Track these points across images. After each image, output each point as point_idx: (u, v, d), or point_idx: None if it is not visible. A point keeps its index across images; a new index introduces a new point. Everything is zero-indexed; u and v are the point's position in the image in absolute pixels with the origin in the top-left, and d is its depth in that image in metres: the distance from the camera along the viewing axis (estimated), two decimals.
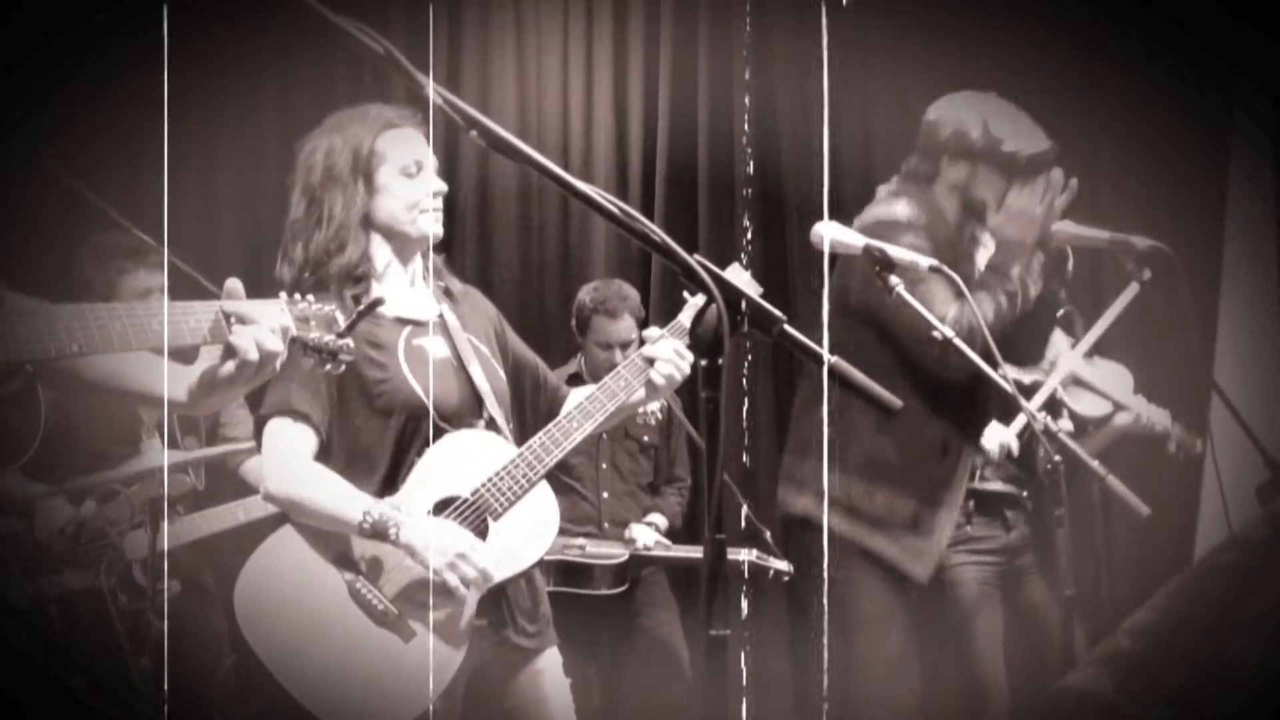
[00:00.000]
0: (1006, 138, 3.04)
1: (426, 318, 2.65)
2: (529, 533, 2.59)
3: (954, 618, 3.29)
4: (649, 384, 2.66)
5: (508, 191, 5.05)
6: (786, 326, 1.66)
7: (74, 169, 3.65)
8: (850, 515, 2.98)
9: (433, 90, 1.57)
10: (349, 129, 2.68)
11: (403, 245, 2.66)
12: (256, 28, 4.52)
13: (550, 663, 2.69)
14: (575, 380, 4.44)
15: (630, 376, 2.66)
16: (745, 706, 2.99)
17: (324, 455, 2.53)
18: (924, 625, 3.07)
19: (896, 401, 1.92)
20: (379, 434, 2.54)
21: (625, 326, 4.29)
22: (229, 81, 4.72)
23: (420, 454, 2.55)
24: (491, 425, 2.63)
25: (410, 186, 2.64)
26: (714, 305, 1.59)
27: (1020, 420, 3.30)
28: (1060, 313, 3.80)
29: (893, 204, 3.06)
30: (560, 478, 4.39)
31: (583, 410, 2.63)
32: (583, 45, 5.09)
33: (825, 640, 2.95)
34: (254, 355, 1.95)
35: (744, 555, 3.98)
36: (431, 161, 2.68)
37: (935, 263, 2.80)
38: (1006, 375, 2.77)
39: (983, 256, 3.14)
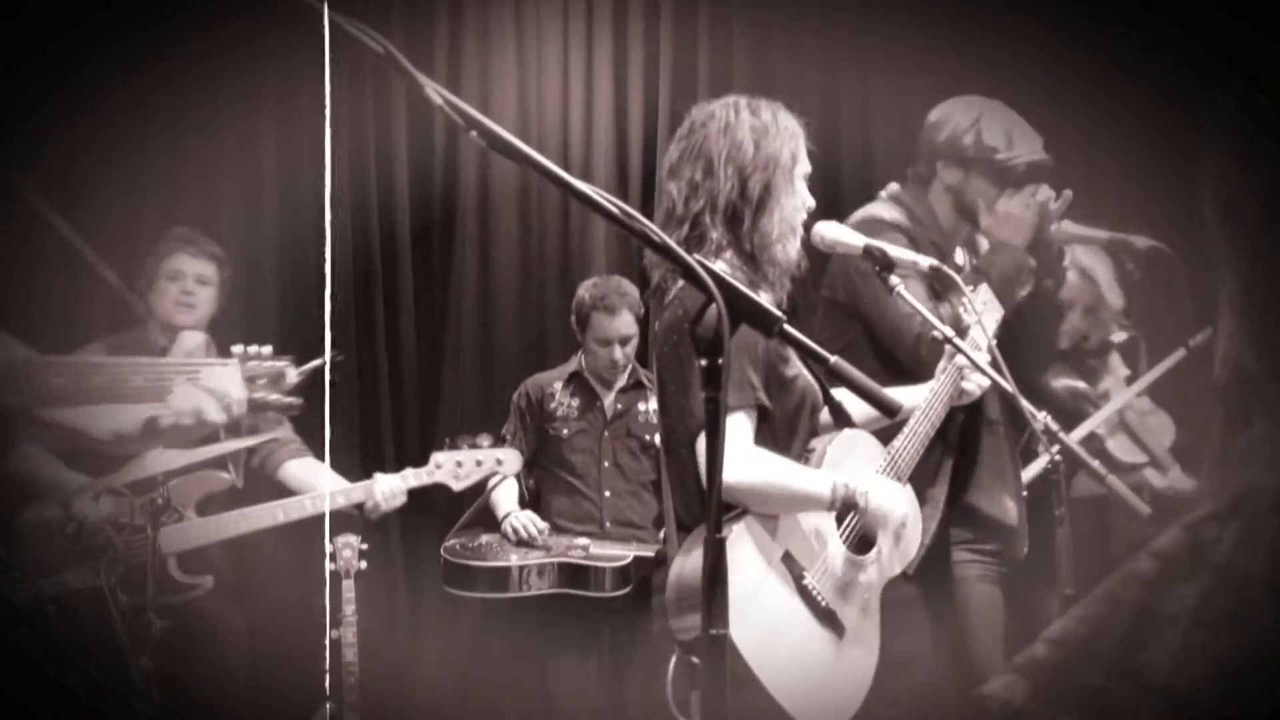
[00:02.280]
0: (1001, 147, 3.13)
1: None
2: (905, 528, 2.71)
3: (956, 615, 3.30)
4: (964, 392, 2.84)
5: (508, 191, 5.05)
6: (787, 326, 1.66)
7: (53, 202, 3.66)
8: None
9: (432, 90, 1.57)
10: (779, 119, 2.68)
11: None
12: (256, 28, 4.52)
13: None
14: (576, 378, 4.44)
15: (949, 384, 2.83)
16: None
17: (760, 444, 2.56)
18: (927, 622, 3.08)
19: (898, 402, 1.93)
20: (790, 423, 2.61)
21: (624, 322, 4.28)
22: (229, 81, 4.72)
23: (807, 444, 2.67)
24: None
25: (805, 193, 2.68)
26: (714, 305, 1.58)
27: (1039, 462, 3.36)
28: (1124, 338, 3.83)
29: (877, 205, 3.17)
30: (562, 476, 4.39)
31: (924, 415, 2.78)
32: (583, 45, 5.09)
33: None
34: (188, 421, 2.05)
35: None
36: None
37: (935, 262, 2.83)
38: (1000, 364, 2.80)
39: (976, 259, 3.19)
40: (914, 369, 2.96)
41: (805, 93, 4.95)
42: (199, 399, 2.04)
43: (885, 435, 2.80)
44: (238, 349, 2.14)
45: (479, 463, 3.87)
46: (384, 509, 3.82)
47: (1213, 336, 3.39)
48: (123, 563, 3.39)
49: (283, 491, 3.85)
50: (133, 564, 3.42)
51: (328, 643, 3.74)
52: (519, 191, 5.05)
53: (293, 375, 2.14)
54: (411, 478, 3.83)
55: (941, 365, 2.85)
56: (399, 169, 4.99)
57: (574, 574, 4.15)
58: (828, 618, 2.56)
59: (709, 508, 1.61)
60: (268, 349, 2.15)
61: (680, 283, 2.58)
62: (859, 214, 3.16)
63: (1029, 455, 3.51)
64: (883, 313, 3.01)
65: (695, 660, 2.40)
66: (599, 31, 5.09)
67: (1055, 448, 2.89)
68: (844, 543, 2.64)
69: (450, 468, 3.84)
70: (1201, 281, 4.40)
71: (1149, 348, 4.01)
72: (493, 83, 5.07)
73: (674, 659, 2.47)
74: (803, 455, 2.65)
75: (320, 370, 2.19)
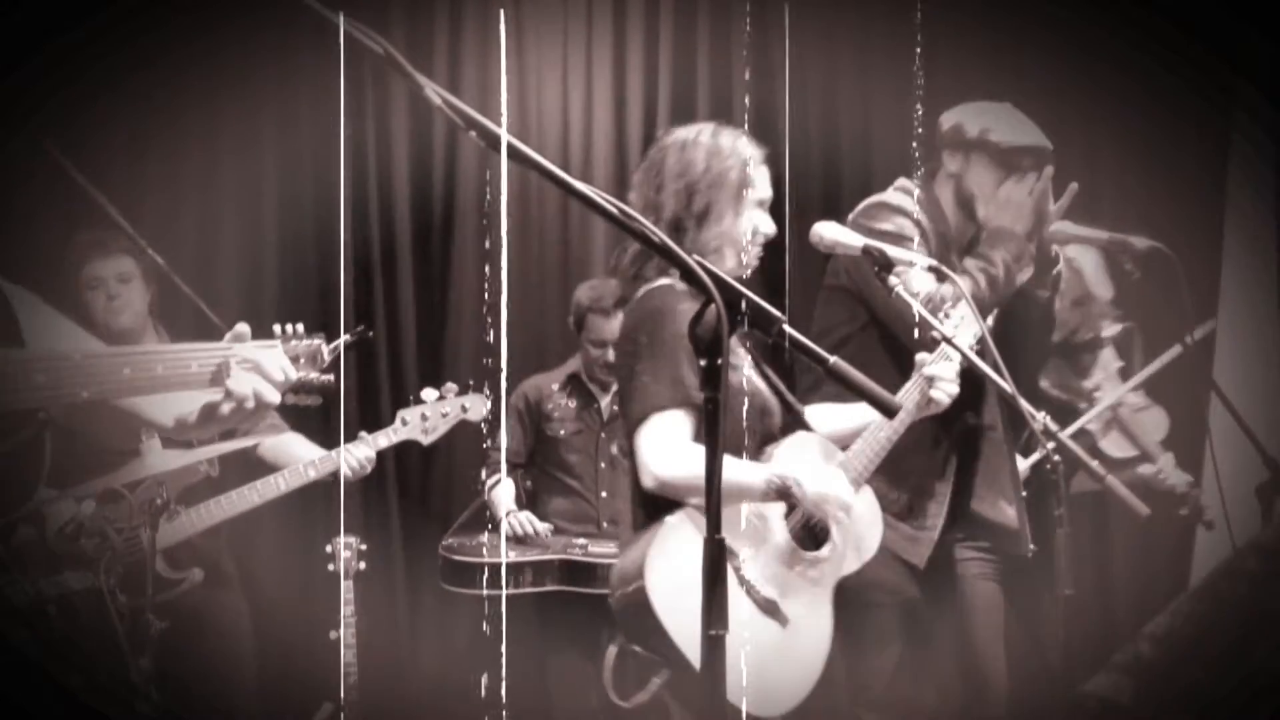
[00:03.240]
0: (1002, 132, 3.16)
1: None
2: (863, 527, 2.80)
3: (956, 612, 3.31)
4: (931, 401, 2.85)
5: (508, 191, 5.05)
6: (786, 326, 1.66)
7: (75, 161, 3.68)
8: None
9: (432, 91, 1.57)
10: (736, 144, 2.83)
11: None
12: (256, 28, 4.52)
13: None
14: (574, 379, 4.44)
15: (915, 394, 2.86)
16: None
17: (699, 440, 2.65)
18: (928, 619, 3.10)
19: (897, 402, 1.93)
20: (736, 423, 2.70)
21: (620, 324, 4.28)
22: (229, 81, 4.72)
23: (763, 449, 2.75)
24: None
25: (760, 217, 2.83)
26: (713, 305, 1.59)
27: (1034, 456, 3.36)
28: (1117, 330, 3.84)
29: (884, 192, 3.21)
30: (559, 476, 4.39)
31: (884, 421, 2.82)
32: (583, 45, 5.09)
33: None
34: (251, 404, 2.09)
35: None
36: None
37: (934, 262, 2.84)
38: (1000, 365, 2.81)
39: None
40: (916, 349, 2.96)
41: (806, 93, 4.96)
42: (255, 382, 2.09)
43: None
44: (277, 329, 2.18)
45: (444, 414, 3.84)
46: (351, 477, 3.74)
47: (1210, 333, 3.40)
48: (120, 563, 3.39)
49: (260, 469, 3.78)
50: (130, 564, 3.41)
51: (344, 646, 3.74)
52: (519, 191, 5.05)
53: (327, 352, 2.18)
54: (382, 437, 3.79)
55: (913, 379, 2.87)
56: (399, 170, 4.99)
57: (574, 571, 4.15)
58: (768, 608, 2.66)
59: (708, 508, 1.61)
60: (300, 327, 2.20)
61: (643, 290, 2.75)
62: (865, 200, 3.21)
63: (1027, 451, 3.51)
64: (887, 298, 3.01)
65: (637, 649, 2.64)
66: (598, 31, 5.09)
67: (1053, 447, 2.89)
68: (792, 536, 2.72)
69: (416, 422, 3.80)
70: (1200, 281, 4.42)
71: (1144, 343, 4.01)
72: (492, 83, 5.07)
73: (614, 647, 2.68)
74: (757, 456, 2.74)
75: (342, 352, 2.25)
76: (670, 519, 2.64)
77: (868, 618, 3.02)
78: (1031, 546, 3.27)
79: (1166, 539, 4.47)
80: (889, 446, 2.83)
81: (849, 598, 2.86)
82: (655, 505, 2.69)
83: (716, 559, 1.60)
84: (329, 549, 3.94)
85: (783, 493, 2.65)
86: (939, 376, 2.84)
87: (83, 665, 3.20)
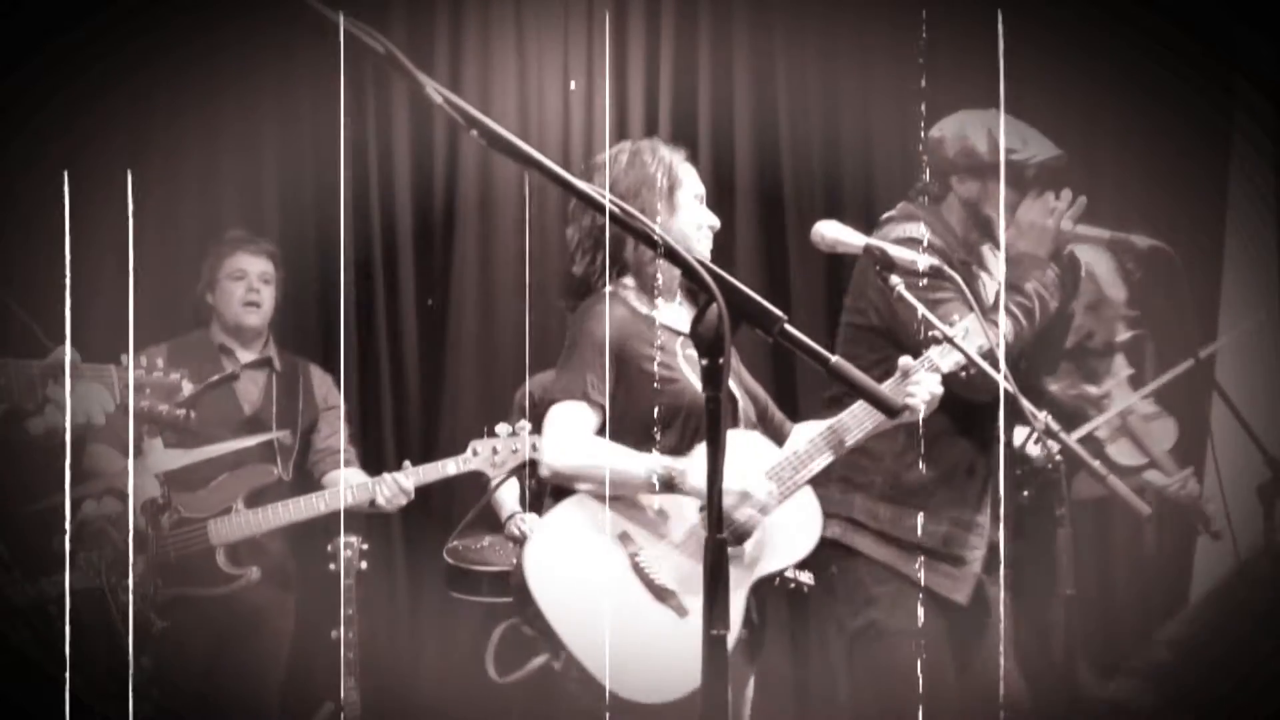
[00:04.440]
0: (1016, 146, 3.09)
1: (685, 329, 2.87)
2: (794, 529, 2.84)
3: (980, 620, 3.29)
4: (906, 408, 2.80)
5: (508, 191, 5.05)
6: (787, 326, 1.66)
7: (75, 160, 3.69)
8: (882, 540, 3.03)
9: (433, 90, 1.57)
10: (656, 151, 2.93)
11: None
12: (256, 28, 4.52)
13: None
14: None
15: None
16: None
17: (602, 435, 2.77)
18: (956, 639, 3.07)
19: (898, 402, 1.93)
20: (665, 422, 2.78)
21: None
22: (229, 81, 4.71)
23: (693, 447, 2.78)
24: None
25: (699, 211, 2.94)
26: (714, 305, 1.59)
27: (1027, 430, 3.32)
28: (1128, 337, 3.82)
29: (907, 223, 3.09)
30: None
31: (843, 424, 2.81)
32: (583, 44, 5.08)
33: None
34: (59, 437, 2.08)
35: None
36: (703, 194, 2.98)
37: (936, 262, 2.82)
38: (1009, 378, 2.78)
39: (991, 275, 3.16)
40: (965, 394, 2.93)
41: (806, 92, 4.95)
42: (86, 404, 2.15)
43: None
44: (125, 358, 2.20)
45: (514, 450, 3.86)
46: (387, 508, 3.80)
47: (1223, 347, 3.38)
48: (121, 561, 3.39)
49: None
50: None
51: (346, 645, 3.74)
52: (519, 191, 5.05)
53: (188, 388, 2.20)
54: (451, 465, 3.83)
55: (892, 379, 2.82)
56: (400, 168, 4.99)
57: None
58: (664, 596, 2.70)
59: (709, 509, 1.61)
60: (160, 360, 2.22)
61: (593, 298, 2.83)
62: (895, 232, 3.08)
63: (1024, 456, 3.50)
64: (917, 339, 2.93)
65: (525, 629, 2.73)
66: (599, 30, 5.09)
67: (1056, 447, 2.88)
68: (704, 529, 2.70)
69: (487, 455, 3.83)
70: (1202, 281, 4.42)
71: (1154, 349, 4.00)
72: (494, 82, 5.07)
73: (502, 626, 2.88)
74: (688, 452, 2.78)
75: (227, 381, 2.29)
76: (560, 505, 2.76)
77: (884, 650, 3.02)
78: (1000, 568, 3.26)
79: (1168, 538, 4.47)
80: (836, 453, 2.81)
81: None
82: (555, 492, 2.83)
83: (718, 558, 1.60)
84: (330, 548, 3.95)
85: (667, 484, 2.71)
86: (918, 383, 2.79)
87: (83, 665, 3.21)
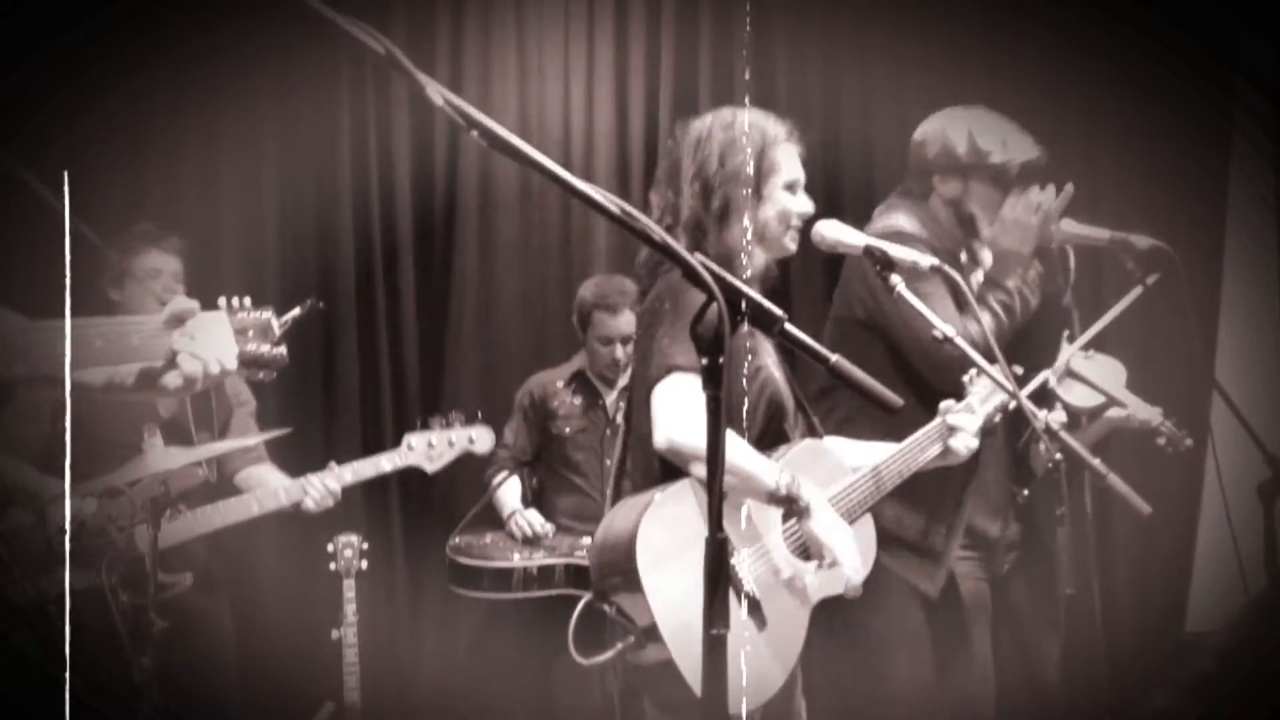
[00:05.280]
0: (995, 150, 3.12)
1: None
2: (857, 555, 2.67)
3: (955, 614, 3.30)
4: (947, 449, 2.81)
5: (509, 191, 5.05)
6: (788, 325, 1.66)
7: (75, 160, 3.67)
8: None
9: (434, 90, 1.57)
10: (754, 131, 2.74)
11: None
12: (256, 28, 4.52)
13: None
14: (579, 377, 4.44)
15: (928, 440, 2.82)
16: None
17: None
18: (934, 631, 3.08)
19: (897, 400, 1.93)
20: (749, 415, 2.66)
21: (626, 321, 4.28)
22: (229, 81, 4.72)
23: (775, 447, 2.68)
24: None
25: (791, 200, 2.75)
26: (714, 304, 1.59)
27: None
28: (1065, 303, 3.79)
29: (894, 216, 3.12)
30: (566, 475, 4.39)
31: (898, 458, 2.77)
32: (584, 44, 5.08)
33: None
34: (199, 386, 2.07)
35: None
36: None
37: (936, 262, 2.81)
38: (1009, 375, 2.78)
39: (979, 271, 3.18)
40: (937, 383, 2.95)
41: (807, 93, 4.95)
42: (211, 354, 2.05)
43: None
44: (222, 301, 2.14)
45: (451, 443, 3.83)
46: (315, 510, 3.69)
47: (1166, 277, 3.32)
48: (122, 561, 3.39)
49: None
50: (132, 561, 3.39)
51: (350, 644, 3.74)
52: (520, 191, 5.05)
53: (277, 325, 2.14)
54: (385, 461, 3.78)
55: (935, 422, 2.83)
56: (400, 169, 4.99)
57: (580, 575, 4.14)
58: (750, 604, 2.57)
59: (710, 506, 1.61)
60: (249, 300, 2.16)
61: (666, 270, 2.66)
62: (880, 224, 3.11)
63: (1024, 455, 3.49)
64: (910, 328, 2.95)
65: (606, 608, 2.49)
66: (600, 30, 5.09)
67: (1057, 447, 2.88)
68: (786, 544, 2.64)
69: (423, 449, 3.79)
70: (1202, 281, 4.42)
71: (1147, 344, 3.98)
72: (494, 82, 5.07)
73: (582, 603, 2.51)
74: (766, 455, 2.65)
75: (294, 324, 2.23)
76: (671, 488, 2.53)
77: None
78: (1004, 568, 3.26)
79: (1168, 538, 4.47)
80: (891, 486, 2.78)
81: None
82: (660, 469, 2.60)
83: (719, 558, 1.60)
84: (330, 548, 3.95)
85: (785, 502, 2.56)
86: (960, 427, 2.81)
87: (83, 665, 3.20)
